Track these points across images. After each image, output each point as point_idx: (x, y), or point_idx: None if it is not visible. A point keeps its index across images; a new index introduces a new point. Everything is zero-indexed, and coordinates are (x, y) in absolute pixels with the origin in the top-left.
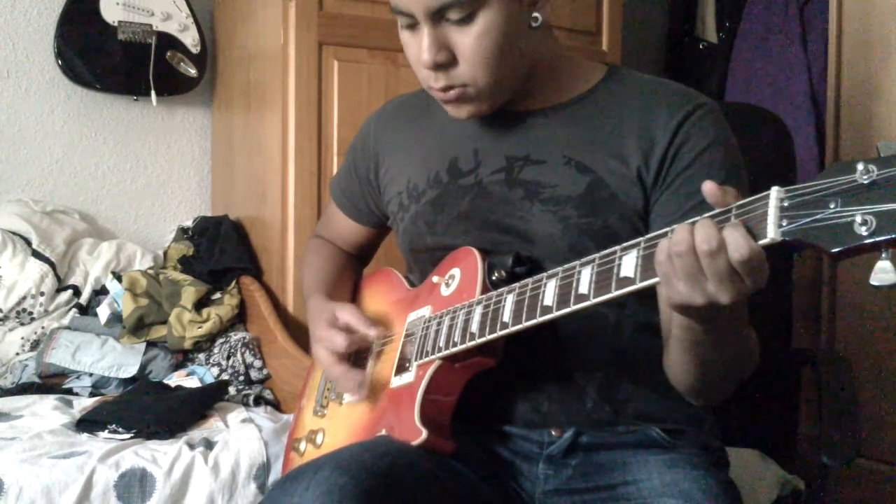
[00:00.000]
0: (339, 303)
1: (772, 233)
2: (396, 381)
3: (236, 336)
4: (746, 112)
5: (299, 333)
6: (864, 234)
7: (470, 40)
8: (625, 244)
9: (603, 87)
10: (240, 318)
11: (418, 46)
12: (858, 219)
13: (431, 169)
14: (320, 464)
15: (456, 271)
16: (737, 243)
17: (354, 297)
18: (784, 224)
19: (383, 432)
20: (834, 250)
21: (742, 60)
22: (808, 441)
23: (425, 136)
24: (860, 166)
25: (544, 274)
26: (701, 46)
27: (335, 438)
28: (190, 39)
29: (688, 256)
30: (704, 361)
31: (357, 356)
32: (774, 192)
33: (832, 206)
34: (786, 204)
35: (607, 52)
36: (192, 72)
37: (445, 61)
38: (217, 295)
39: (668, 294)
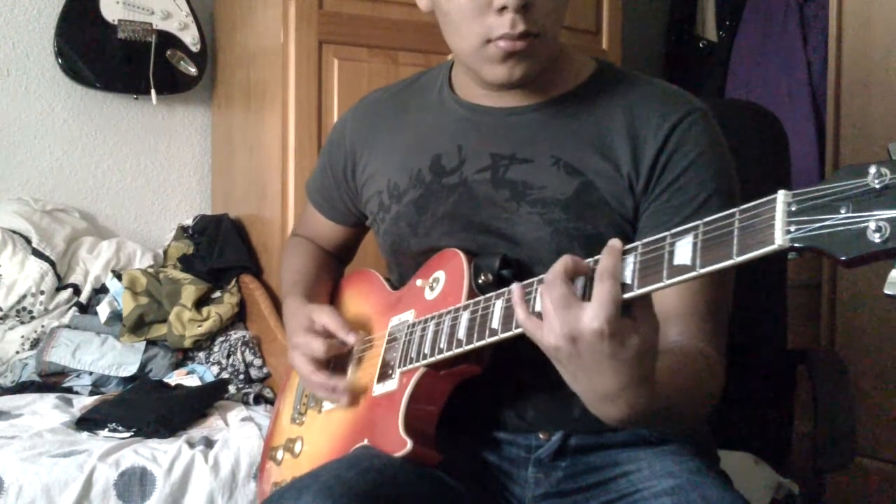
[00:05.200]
0: (315, 305)
1: (779, 239)
2: (379, 389)
3: (236, 334)
4: (740, 108)
5: None
6: (878, 241)
7: None
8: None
9: (592, 85)
10: (240, 316)
11: None
12: (872, 225)
13: (413, 167)
14: (302, 487)
15: (440, 274)
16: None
17: (333, 299)
18: (792, 230)
19: (365, 442)
20: (845, 258)
21: (742, 59)
22: (804, 444)
23: (405, 132)
24: (872, 170)
25: (534, 279)
26: (701, 45)
27: (315, 447)
28: (190, 38)
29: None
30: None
31: (336, 360)
32: (781, 196)
33: (843, 211)
34: (793, 208)
35: (607, 52)
36: (192, 70)
37: (529, 2)
38: (217, 293)
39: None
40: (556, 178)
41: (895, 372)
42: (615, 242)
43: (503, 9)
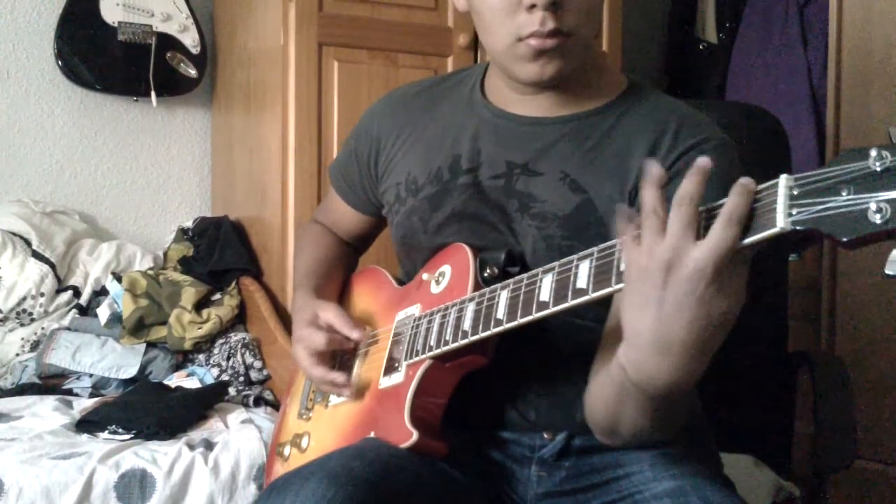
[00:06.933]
0: (322, 301)
1: (781, 222)
2: (385, 382)
3: (236, 337)
4: (741, 110)
5: None
6: (879, 221)
7: None
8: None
9: (619, 105)
10: (240, 318)
11: None
12: (873, 206)
13: (433, 164)
14: (307, 474)
15: (446, 268)
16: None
17: (342, 295)
18: (794, 213)
19: (372, 435)
20: (847, 239)
21: (742, 61)
22: (804, 445)
23: (430, 128)
24: (873, 152)
25: (539, 269)
26: (701, 47)
27: (321, 443)
28: (190, 40)
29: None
30: (631, 412)
31: (343, 358)
32: (783, 180)
33: (844, 193)
34: (795, 192)
35: (607, 53)
36: (192, 72)
37: (559, 0)
38: (217, 296)
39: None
40: (558, 193)
41: (895, 374)
42: (748, 182)
43: (532, 7)
